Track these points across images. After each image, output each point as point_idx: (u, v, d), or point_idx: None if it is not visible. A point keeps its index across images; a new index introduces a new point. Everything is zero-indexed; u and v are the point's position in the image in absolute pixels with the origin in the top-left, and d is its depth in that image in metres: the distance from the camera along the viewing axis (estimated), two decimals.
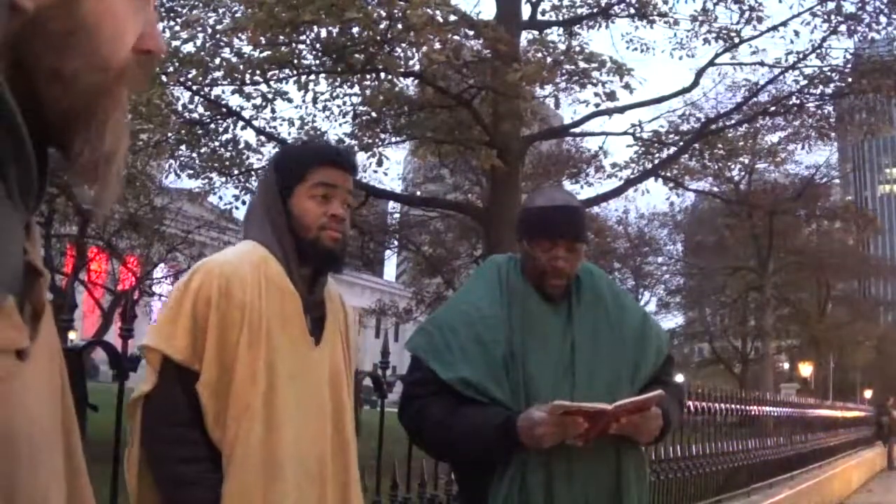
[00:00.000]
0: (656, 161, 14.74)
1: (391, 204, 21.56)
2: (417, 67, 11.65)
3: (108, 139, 0.75)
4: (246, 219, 2.06)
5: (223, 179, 14.19)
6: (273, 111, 12.62)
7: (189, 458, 1.72)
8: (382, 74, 11.27)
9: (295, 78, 11.46)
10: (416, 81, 12.67)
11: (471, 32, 10.77)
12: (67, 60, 0.71)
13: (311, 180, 1.89)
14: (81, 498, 0.79)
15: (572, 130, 15.69)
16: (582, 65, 11.07)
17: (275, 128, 13.45)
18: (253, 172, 13.41)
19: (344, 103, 13.25)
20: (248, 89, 11.86)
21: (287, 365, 1.79)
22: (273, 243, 1.87)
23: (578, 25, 13.85)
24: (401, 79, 11.79)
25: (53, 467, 0.73)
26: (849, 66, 13.95)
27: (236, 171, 13.73)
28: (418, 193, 23.42)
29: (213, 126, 13.01)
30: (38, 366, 0.71)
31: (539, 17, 13.61)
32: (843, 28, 13.30)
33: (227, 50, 11.27)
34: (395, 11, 9.45)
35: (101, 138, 0.74)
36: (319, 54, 11.06)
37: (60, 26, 0.70)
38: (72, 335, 3.62)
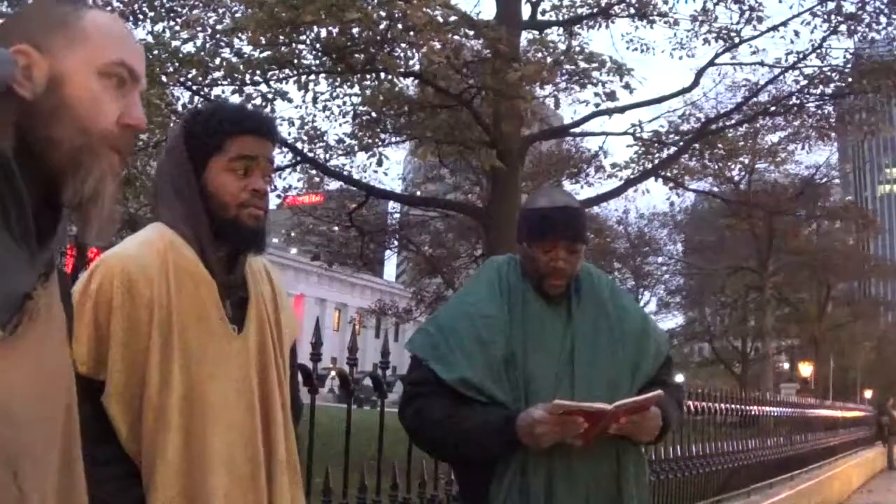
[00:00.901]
0: (656, 161, 14.75)
1: (391, 204, 21.55)
2: (417, 67, 11.65)
3: (87, 185, 0.98)
4: (153, 194, 1.82)
5: None
6: (273, 111, 12.62)
7: (104, 477, 1.48)
8: (382, 74, 11.26)
9: (295, 78, 11.46)
10: (416, 81, 12.66)
11: (471, 32, 10.78)
12: (56, 129, 0.97)
13: (230, 152, 1.67)
14: (77, 491, 0.97)
15: (572, 130, 15.69)
16: (582, 65, 11.08)
17: None
18: None
19: (344, 103, 13.27)
20: (248, 89, 11.86)
21: (206, 362, 1.61)
22: (184, 225, 1.66)
23: (578, 25, 13.85)
24: (401, 79, 11.79)
25: (35, 458, 0.89)
26: (849, 66, 13.96)
27: None
28: (418, 193, 23.43)
29: None
30: (16, 367, 0.89)
31: (539, 17, 13.61)
32: (843, 28, 13.30)
33: (227, 50, 11.28)
34: (395, 12, 9.45)
35: (83, 184, 0.97)
36: (319, 54, 11.06)
37: (49, 105, 0.97)
38: None
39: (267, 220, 1.73)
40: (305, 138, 13.98)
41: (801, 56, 13.63)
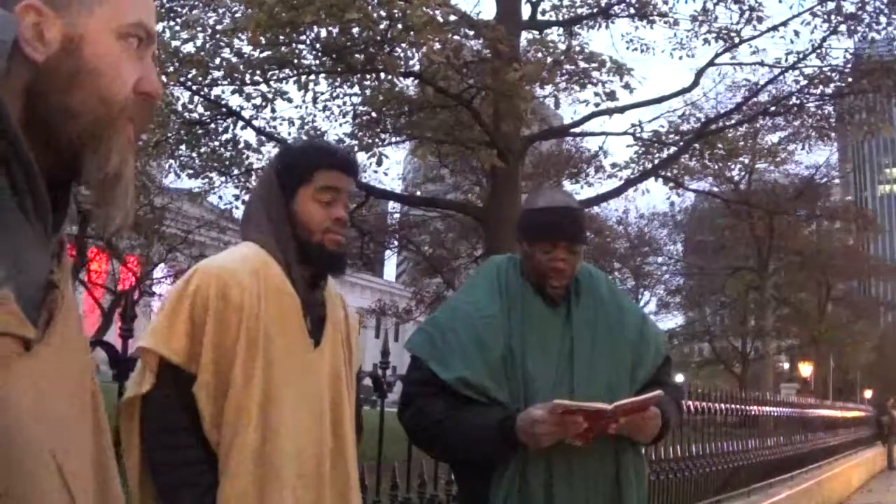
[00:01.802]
0: (656, 161, 14.75)
1: (391, 204, 21.57)
2: (417, 67, 11.65)
3: (112, 162, 0.88)
4: (245, 218, 2.02)
5: (223, 179, 14.21)
6: (273, 111, 12.64)
7: (187, 461, 1.70)
8: (382, 74, 11.27)
9: (295, 78, 11.47)
10: (416, 81, 12.66)
11: (471, 32, 10.77)
12: (74, 97, 0.87)
13: (317, 183, 1.86)
14: (112, 492, 0.92)
15: (572, 130, 15.69)
16: (582, 65, 11.07)
17: (275, 128, 13.47)
18: (253, 172, 13.42)
19: (344, 103, 13.27)
20: (248, 89, 11.86)
21: (285, 369, 1.77)
22: (273, 245, 1.85)
23: (578, 25, 13.85)
24: (401, 79, 11.79)
25: (75, 450, 0.85)
26: (849, 66, 13.96)
27: (236, 171, 13.74)
28: (418, 193, 23.41)
29: (213, 126, 13.02)
30: (52, 363, 0.84)
31: (539, 17, 13.61)
32: (843, 28, 13.30)
33: (227, 50, 11.27)
34: (395, 12, 9.44)
35: (107, 161, 0.88)
36: (319, 54, 11.06)
37: (66, 70, 0.86)
38: None
39: (347, 245, 1.92)
40: (305, 138, 13.98)
41: (801, 56, 13.63)
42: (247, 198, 14.56)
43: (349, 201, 1.97)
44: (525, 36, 12.67)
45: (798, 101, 14.47)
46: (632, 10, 13.45)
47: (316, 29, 10.34)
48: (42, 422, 0.80)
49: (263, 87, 11.90)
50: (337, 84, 12.54)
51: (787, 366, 43.97)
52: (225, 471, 1.70)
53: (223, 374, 1.73)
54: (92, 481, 0.88)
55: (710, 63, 14.26)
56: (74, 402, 0.88)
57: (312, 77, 11.64)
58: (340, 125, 14.13)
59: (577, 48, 11.82)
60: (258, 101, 12.20)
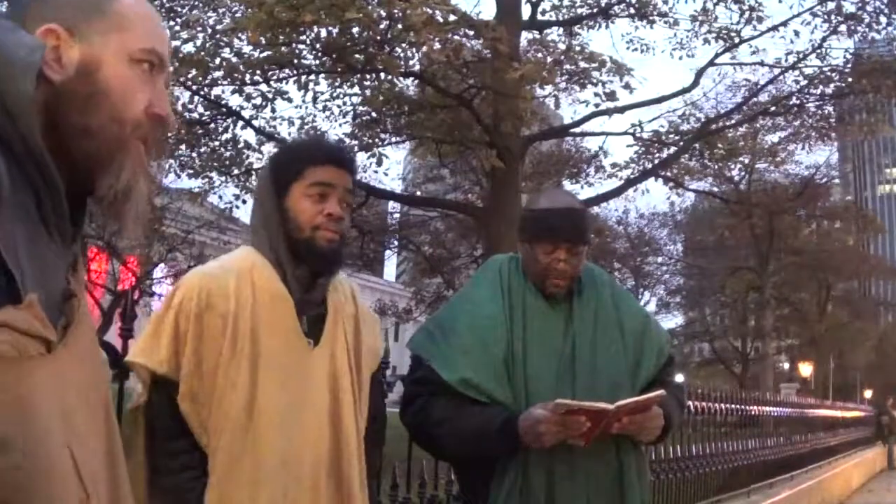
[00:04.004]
0: (656, 161, 14.75)
1: (391, 204, 21.55)
2: (417, 67, 11.65)
3: (123, 178, 0.95)
4: (250, 220, 2.02)
5: (223, 179, 14.18)
6: (273, 111, 12.64)
7: (182, 466, 1.73)
8: (382, 74, 11.26)
9: (295, 78, 11.47)
10: (416, 81, 12.66)
11: (471, 32, 10.76)
12: (90, 117, 0.94)
13: (308, 179, 1.83)
14: (122, 490, 0.97)
15: (572, 130, 15.69)
16: (582, 65, 11.08)
17: (274, 127, 13.46)
18: (253, 172, 13.40)
19: (344, 103, 13.27)
20: (248, 89, 11.86)
21: (275, 372, 1.75)
22: (265, 245, 1.84)
23: (578, 25, 13.85)
24: (401, 79, 11.79)
25: (94, 467, 0.90)
26: (849, 66, 13.96)
27: (236, 171, 13.73)
28: (418, 193, 23.42)
29: (213, 126, 13.01)
30: (71, 367, 0.90)
31: (539, 17, 13.60)
32: (843, 28, 13.31)
33: (227, 50, 11.26)
34: (395, 11, 9.44)
35: (118, 178, 0.95)
36: (319, 54, 11.06)
37: (82, 92, 0.93)
38: None
39: (343, 242, 1.88)
40: (304, 136, 13.96)
41: (801, 56, 13.63)
42: (247, 198, 14.56)
43: (350, 199, 1.92)
44: (525, 36, 12.69)
45: (798, 101, 14.49)
46: (632, 10, 13.44)
47: (316, 29, 10.33)
48: (59, 418, 0.85)
49: (263, 87, 11.91)
50: (337, 84, 12.53)
51: (787, 366, 43.96)
52: (213, 476, 1.71)
53: (208, 381, 1.73)
54: (104, 479, 0.93)
55: (710, 63, 14.27)
56: (89, 403, 0.93)
57: (312, 77, 11.64)
58: (340, 125, 14.16)
59: (577, 48, 11.83)
60: (258, 101, 12.20)
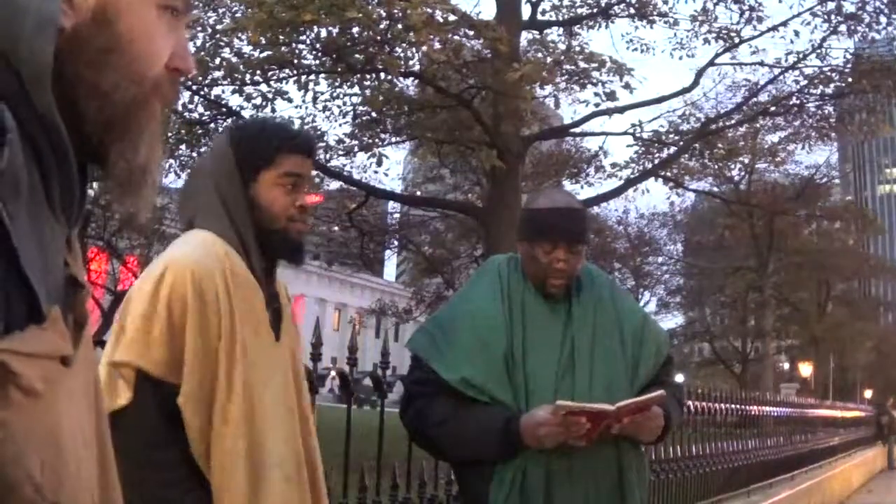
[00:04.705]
0: (656, 161, 14.75)
1: (391, 204, 21.56)
2: (417, 67, 11.66)
3: (142, 151, 0.79)
4: (187, 196, 1.83)
5: None
6: (273, 111, 12.62)
7: (171, 481, 1.58)
8: (382, 74, 11.27)
9: (295, 78, 11.47)
10: (416, 81, 12.67)
11: (471, 32, 10.77)
12: (105, 75, 0.76)
13: (281, 167, 1.73)
14: (113, 494, 0.86)
15: (572, 130, 15.70)
16: (582, 65, 11.08)
17: None
18: None
19: (344, 103, 13.26)
20: (248, 89, 11.86)
21: (261, 369, 1.67)
22: (232, 234, 1.71)
23: (578, 25, 13.86)
24: (401, 79, 11.80)
25: (91, 474, 0.79)
26: (849, 66, 13.96)
27: None
28: (418, 193, 23.43)
29: (212, 126, 13.01)
30: (79, 374, 0.78)
31: (539, 17, 13.61)
32: (843, 28, 13.32)
33: (227, 50, 11.28)
34: (395, 11, 9.45)
35: (136, 150, 0.79)
36: (319, 54, 11.06)
37: (98, 44, 0.76)
38: None
39: (307, 234, 1.83)
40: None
41: (801, 56, 13.64)
42: None
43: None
44: (525, 36, 12.69)
45: (798, 101, 14.48)
46: (632, 10, 13.46)
47: (316, 29, 10.34)
48: (73, 419, 0.76)
49: (263, 87, 11.91)
50: (337, 84, 12.53)
51: (787, 366, 43.96)
52: (216, 483, 1.61)
53: (207, 381, 1.61)
54: (97, 485, 0.83)
55: (710, 63, 14.28)
56: (89, 404, 0.83)
57: (312, 77, 11.64)
58: (340, 125, 14.13)
59: (577, 48, 11.85)
60: (258, 101, 12.20)
